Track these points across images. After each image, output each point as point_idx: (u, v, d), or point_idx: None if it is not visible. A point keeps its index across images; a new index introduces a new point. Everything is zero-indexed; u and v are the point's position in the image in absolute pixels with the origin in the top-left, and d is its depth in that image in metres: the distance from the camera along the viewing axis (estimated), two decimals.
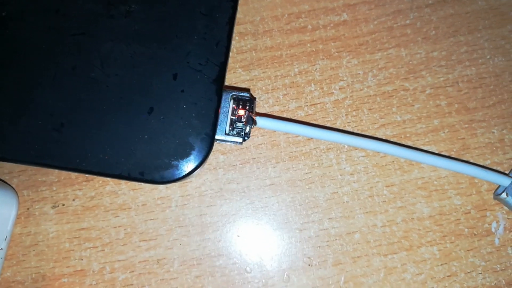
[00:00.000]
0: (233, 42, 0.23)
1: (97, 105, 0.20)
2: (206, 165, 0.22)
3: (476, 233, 0.22)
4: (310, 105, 0.23)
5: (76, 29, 0.21)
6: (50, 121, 0.20)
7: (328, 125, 0.23)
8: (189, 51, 0.20)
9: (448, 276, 0.22)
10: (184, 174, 0.19)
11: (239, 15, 0.21)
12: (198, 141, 0.20)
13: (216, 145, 0.20)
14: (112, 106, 0.20)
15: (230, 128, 0.21)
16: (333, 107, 0.23)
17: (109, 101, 0.20)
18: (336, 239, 0.22)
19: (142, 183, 0.22)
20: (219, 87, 0.20)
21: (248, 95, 0.21)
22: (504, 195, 0.21)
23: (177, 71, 0.20)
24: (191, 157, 0.20)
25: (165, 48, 0.20)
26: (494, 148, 0.23)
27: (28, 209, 0.22)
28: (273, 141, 0.23)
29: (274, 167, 0.22)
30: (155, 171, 0.19)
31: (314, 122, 0.23)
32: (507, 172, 0.22)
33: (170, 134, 0.20)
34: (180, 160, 0.19)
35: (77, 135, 0.20)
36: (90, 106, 0.20)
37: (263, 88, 0.23)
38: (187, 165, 0.19)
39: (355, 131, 0.23)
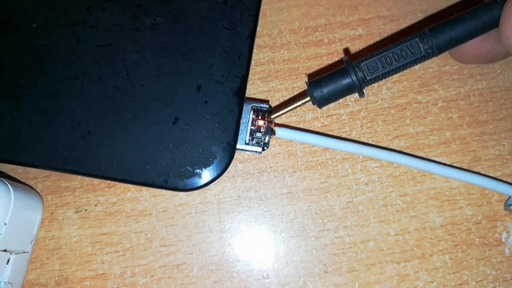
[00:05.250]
0: None
1: (123, 114, 0.21)
2: (225, 173, 0.22)
3: (487, 242, 0.23)
4: (326, 116, 0.24)
5: (102, 41, 0.21)
6: (78, 129, 0.21)
7: (343, 136, 0.24)
8: (212, 63, 0.21)
9: (460, 284, 0.22)
10: (206, 182, 0.20)
11: (257, 29, 0.22)
12: (220, 150, 0.20)
13: (235, 153, 0.21)
14: (137, 115, 0.21)
15: (250, 138, 0.21)
16: (349, 119, 0.24)
17: (135, 111, 0.21)
18: (351, 247, 0.23)
19: (164, 190, 0.23)
20: (240, 98, 0.21)
21: (267, 106, 0.22)
22: None
23: (201, 82, 0.21)
24: (214, 165, 0.20)
25: (189, 60, 0.21)
26: (505, 160, 0.23)
27: (52, 213, 0.23)
28: (290, 150, 0.23)
29: (291, 176, 0.23)
30: (179, 178, 0.20)
31: (330, 132, 0.24)
32: None
33: (193, 143, 0.20)
34: (203, 168, 0.20)
35: (104, 143, 0.20)
36: (116, 115, 0.21)
37: (281, 99, 0.24)
38: (210, 173, 0.20)
39: (370, 142, 0.23)
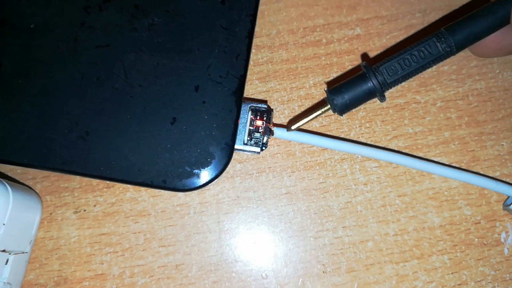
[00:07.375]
0: None
1: (121, 115, 0.21)
2: (224, 173, 0.22)
3: (486, 242, 0.23)
4: (324, 116, 0.24)
5: (100, 41, 0.21)
6: (76, 129, 0.21)
7: (342, 136, 0.24)
8: (210, 64, 0.21)
9: (459, 284, 0.22)
10: (205, 182, 0.20)
11: (256, 29, 0.22)
12: (218, 150, 0.20)
13: (233, 154, 0.21)
14: (136, 115, 0.21)
15: (248, 138, 0.21)
16: (347, 119, 0.24)
17: (133, 111, 0.21)
18: (349, 247, 0.22)
19: (163, 190, 0.23)
20: (238, 98, 0.21)
21: (265, 106, 0.22)
22: None
23: (199, 83, 0.21)
24: (212, 165, 0.20)
25: (187, 60, 0.21)
26: (503, 160, 0.23)
27: (51, 214, 0.23)
28: (288, 151, 0.23)
29: (290, 176, 0.23)
30: (177, 179, 0.20)
31: (328, 133, 0.24)
32: None
33: (191, 143, 0.20)
34: (201, 169, 0.20)
35: (102, 143, 0.20)
36: (114, 115, 0.21)
37: (279, 99, 0.24)
38: (208, 174, 0.20)
39: (368, 142, 0.23)
